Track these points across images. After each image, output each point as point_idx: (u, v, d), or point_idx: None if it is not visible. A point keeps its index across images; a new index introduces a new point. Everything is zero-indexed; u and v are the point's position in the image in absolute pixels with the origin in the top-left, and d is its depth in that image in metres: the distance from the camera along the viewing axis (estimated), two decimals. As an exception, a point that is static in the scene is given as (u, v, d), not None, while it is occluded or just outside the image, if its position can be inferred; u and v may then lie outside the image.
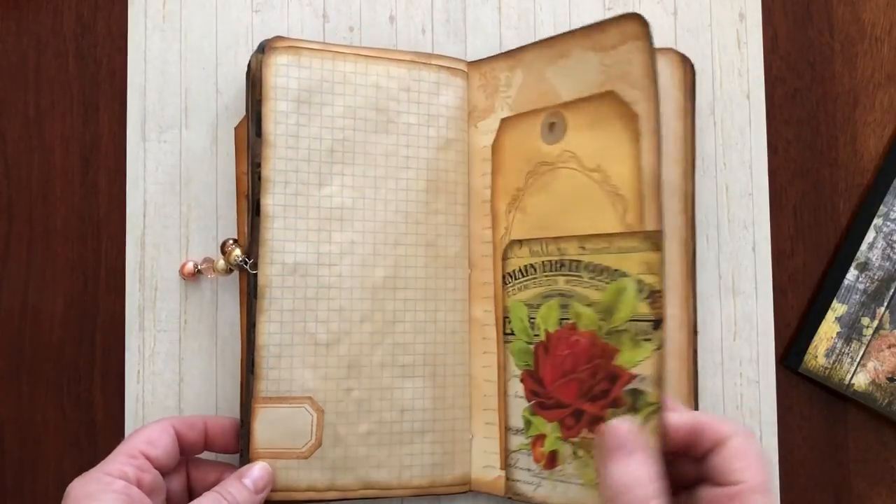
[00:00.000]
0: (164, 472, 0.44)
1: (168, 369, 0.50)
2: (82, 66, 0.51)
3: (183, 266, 0.50)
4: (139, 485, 0.41)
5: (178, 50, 0.51)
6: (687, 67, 0.49)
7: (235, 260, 0.48)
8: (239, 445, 0.47)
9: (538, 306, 0.47)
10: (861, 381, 0.50)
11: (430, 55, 0.50)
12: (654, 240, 0.42)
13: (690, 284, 0.48)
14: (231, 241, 0.49)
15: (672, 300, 0.48)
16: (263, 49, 0.47)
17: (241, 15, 0.51)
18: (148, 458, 0.43)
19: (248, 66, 0.47)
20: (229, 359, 0.50)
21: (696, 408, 0.49)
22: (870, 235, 0.51)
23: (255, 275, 0.46)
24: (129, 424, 0.49)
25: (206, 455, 0.48)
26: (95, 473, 0.41)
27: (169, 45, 0.51)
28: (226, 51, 0.51)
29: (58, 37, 0.52)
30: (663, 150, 0.44)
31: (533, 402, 0.47)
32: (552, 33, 0.52)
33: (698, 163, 0.51)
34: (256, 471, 0.45)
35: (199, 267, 0.49)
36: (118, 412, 0.50)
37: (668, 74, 0.48)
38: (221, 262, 0.49)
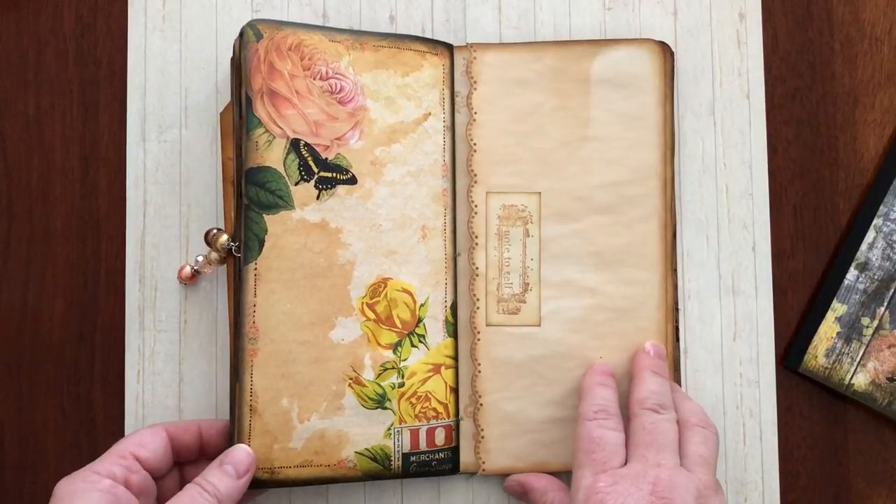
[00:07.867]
0: (155, 475, 0.43)
1: (168, 369, 0.50)
2: (82, 66, 0.51)
3: (180, 271, 0.49)
4: (127, 485, 0.41)
5: (178, 50, 0.51)
6: (667, 54, 0.50)
7: (223, 246, 0.47)
8: None
9: None
10: (861, 381, 0.50)
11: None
12: None
13: (670, 265, 0.50)
14: (215, 230, 0.49)
15: (649, 280, 0.49)
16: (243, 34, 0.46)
17: (241, 15, 0.51)
18: (138, 459, 0.42)
19: (233, 50, 0.47)
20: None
21: (679, 381, 0.50)
22: (870, 235, 0.50)
23: (241, 258, 0.46)
24: (129, 424, 0.49)
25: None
26: (83, 472, 0.41)
27: (169, 45, 0.51)
28: (226, 51, 0.51)
29: (58, 37, 0.52)
30: (641, 135, 0.49)
31: None
32: (552, 33, 0.52)
33: (698, 163, 0.51)
34: (237, 454, 0.43)
35: (195, 268, 0.49)
36: (118, 412, 0.50)
37: (648, 63, 0.50)
38: (214, 254, 0.48)
